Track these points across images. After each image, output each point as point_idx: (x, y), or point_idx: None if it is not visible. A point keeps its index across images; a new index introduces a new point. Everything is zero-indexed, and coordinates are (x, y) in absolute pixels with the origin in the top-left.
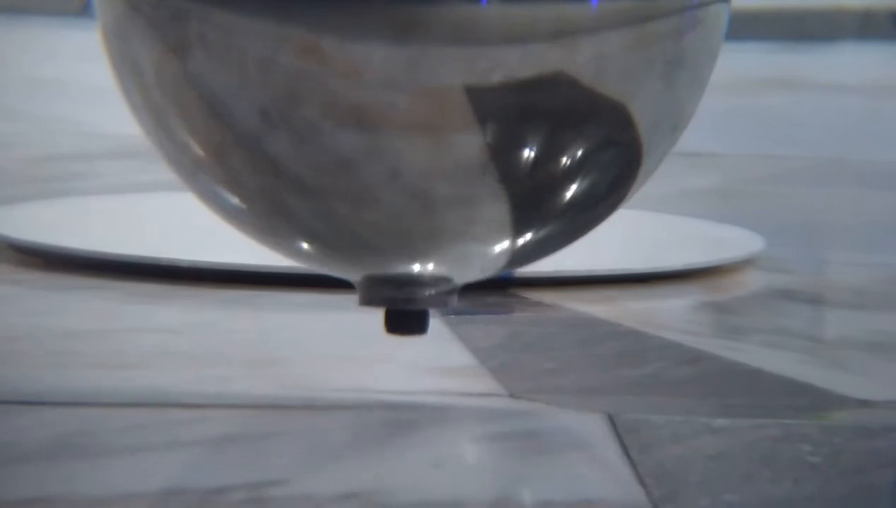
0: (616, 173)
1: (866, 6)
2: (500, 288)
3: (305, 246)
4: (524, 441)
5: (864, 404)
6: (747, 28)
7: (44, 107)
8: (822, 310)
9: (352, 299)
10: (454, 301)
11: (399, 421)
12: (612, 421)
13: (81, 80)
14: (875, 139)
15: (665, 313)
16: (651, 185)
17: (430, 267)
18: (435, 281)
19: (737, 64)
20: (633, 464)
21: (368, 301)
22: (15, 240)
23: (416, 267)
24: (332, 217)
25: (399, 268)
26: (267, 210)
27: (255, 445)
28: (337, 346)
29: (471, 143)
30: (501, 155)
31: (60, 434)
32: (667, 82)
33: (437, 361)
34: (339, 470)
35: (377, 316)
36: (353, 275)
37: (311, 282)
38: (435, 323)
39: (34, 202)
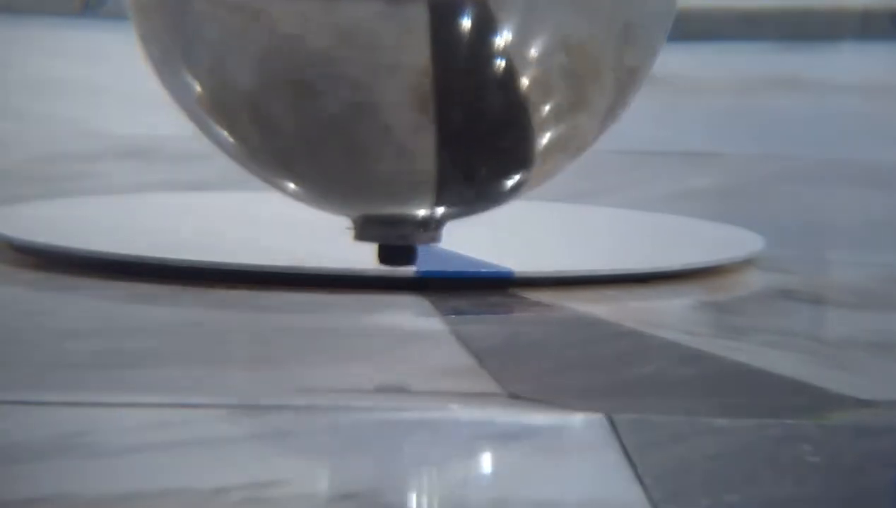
0: (558, 126)
1: (866, 6)
2: (500, 288)
3: (305, 190)
4: (524, 442)
5: (864, 404)
6: (747, 28)
7: (43, 106)
8: (822, 310)
9: (352, 299)
10: (440, 237)
11: (399, 420)
12: (612, 421)
13: (81, 80)
14: (875, 139)
15: (665, 313)
16: (651, 185)
17: (418, 208)
18: (422, 220)
19: (737, 64)
20: (633, 464)
21: (363, 237)
22: (15, 240)
23: (405, 209)
24: (329, 168)
25: (390, 210)
26: (270, 160)
27: (255, 445)
28: (337, 346)
29: (441, 104)
30: (466, 109)
31: (60, 434)
32: (612, 41)
33: (437, 361)
34: (339, 470)
35: (376, 316)
36: (349, 214)
37: (311, 282)
38: (435, 322)
39: (34, 202)
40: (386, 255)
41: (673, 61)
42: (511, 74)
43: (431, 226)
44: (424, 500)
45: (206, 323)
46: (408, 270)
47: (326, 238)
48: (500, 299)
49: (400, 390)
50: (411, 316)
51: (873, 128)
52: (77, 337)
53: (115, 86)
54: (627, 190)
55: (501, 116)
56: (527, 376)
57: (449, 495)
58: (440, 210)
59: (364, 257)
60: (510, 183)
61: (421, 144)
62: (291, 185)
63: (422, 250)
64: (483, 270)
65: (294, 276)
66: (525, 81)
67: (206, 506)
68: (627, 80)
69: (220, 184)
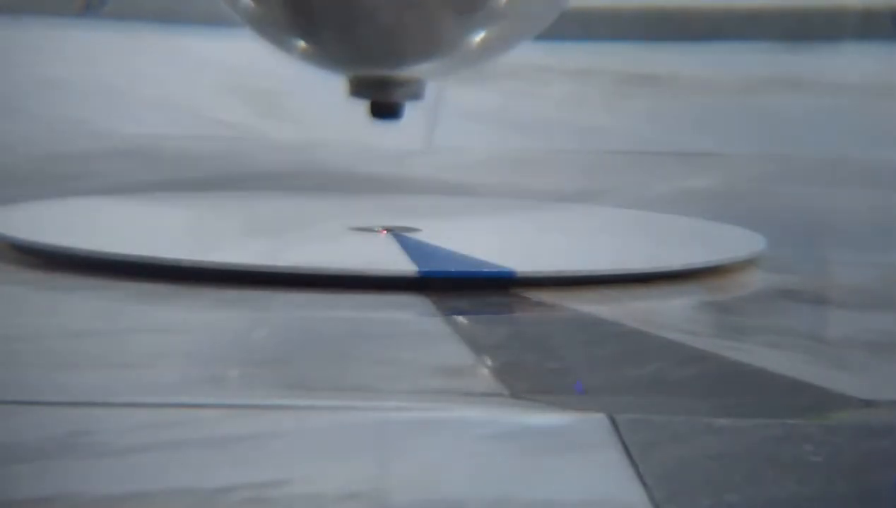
0: None
1: (866, 6)
2: (502, 287)
3: (306, 53)
4: (525, 441)
5: (866, 404)
6: (748, 28)
7: (45, 106)
8: (824, 310)
9: (352, 299)
10: (422, 95)
11: (399, 420)
12: (614, 422)
13: (83, 80)
14: (875, 139)
15: (666, 313)
16: (651, 185)
17: (406, 69)
18: (409, 80)
19: (737, 64)
20: (634, 465)
21: (356, 95)
22: (15, 240)
23: (395, 71)
24: (327, 36)
25: (381, 71)
26: (270, 28)
27: (255, 445)
28: (337, 346)
29: None
30: None
31: (60, 434)
32: None
33: (438, 361)
34: (339, 470)
35: (376, 316)
36: (343, 74)
37: (311, 282)
38: (436, 322)
39: (34, 202)
40: (376, 111)
41: (673, 61)
42: None
43: (415, 85)
44: (424, 500)
45: (206, 323)
46: (409, 270)
47: (326, 238)
48: (501, 299)
49: (400, 390)
50: (412, 316)
51: (873, 128)
52: (77, 337)
53: (116, 86)
54: (627, 190)
55: None
56: (528, 376)
57: (449, 495)
58: (421, 69)
59: (364, 257)
60: (476, 39)
61: (400, 18)
62: (290, 51)
63: (422, 250)
64: (484, 270)
65: (294, 276)
66: None
67: (206, 506)
68: None
69: (220, 184)
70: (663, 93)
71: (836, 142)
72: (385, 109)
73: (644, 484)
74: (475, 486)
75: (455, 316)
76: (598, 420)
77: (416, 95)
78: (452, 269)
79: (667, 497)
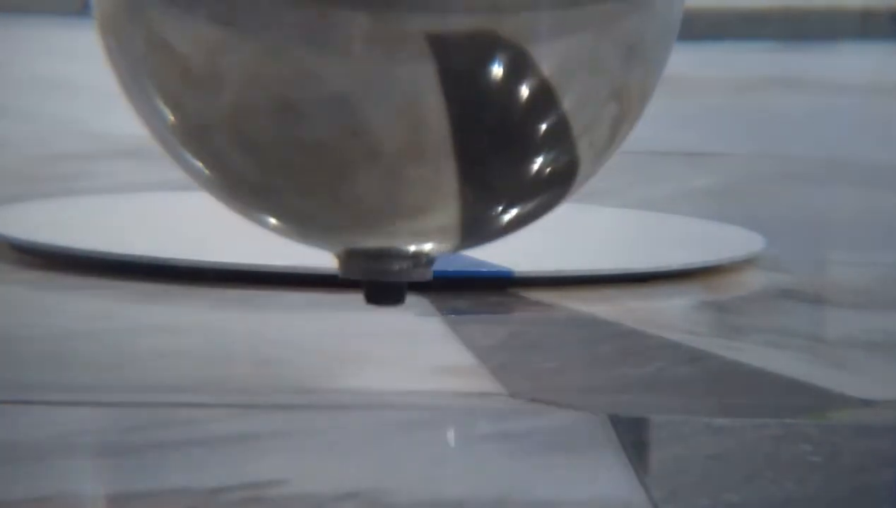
0: (563, 151)
1: (866, 6)
2: (500, 287)
3: (286, 222)
4: (524, 441)
5: (864, 403)
6: (747, 28)
7: (44, 106)
8: (822, 310)
9: (352, 299)
10: (430, 274)
11: (399, 420)
12: (613, 421)
13: (81, 80)
14: (875, 139)
15: (665, 313)
16: (651, 185)
17: (406, 241)
18: (411, 254)
19: (737, 64)
20: (633, 464)
21: (347, 273)
22: (15, 240)
23: (393, 242)
24: (311, 196)
25: (376, 243)
26: (247, 189)
27: (255, 445)
28: (337, 346)
29: (439, 125)
30: (463, 132)
31: (60, 434)
32: (617, 60)
33: (437, 361)
34: (339, 470)
35: (376, 316)
36: (333, 248)
37: (311, 282)
38: (435, 322)
39: (34, 202)
40: (374, 293)
41: (673, 61)
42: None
43: (423, 261)
44: (424, 500)
45: (206, 323)
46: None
47: None
48: (499, 299)
49: (399, 390)
50: (411, 316)
51: (873, 128)
52: (77, 337)
53: (115, 86)
54: (627, 190)
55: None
56: (527, 376)
57: (449, 495)
58: (432, 244)
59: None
60: (511, 215)
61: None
62: (273, 218)
63: None
64: (482, 270)
65: (294, 276)
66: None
67: (205, 506)
68: (631, 101)
69: None
70: (663, 93)
71: (836, 142)
72: (383, 291)
73: (642, 484)
74: (474, 486)
75: (454, 316)
76: (596, 419)
77: (424, 274)
78: (450, 269)
79: (665, 497)
